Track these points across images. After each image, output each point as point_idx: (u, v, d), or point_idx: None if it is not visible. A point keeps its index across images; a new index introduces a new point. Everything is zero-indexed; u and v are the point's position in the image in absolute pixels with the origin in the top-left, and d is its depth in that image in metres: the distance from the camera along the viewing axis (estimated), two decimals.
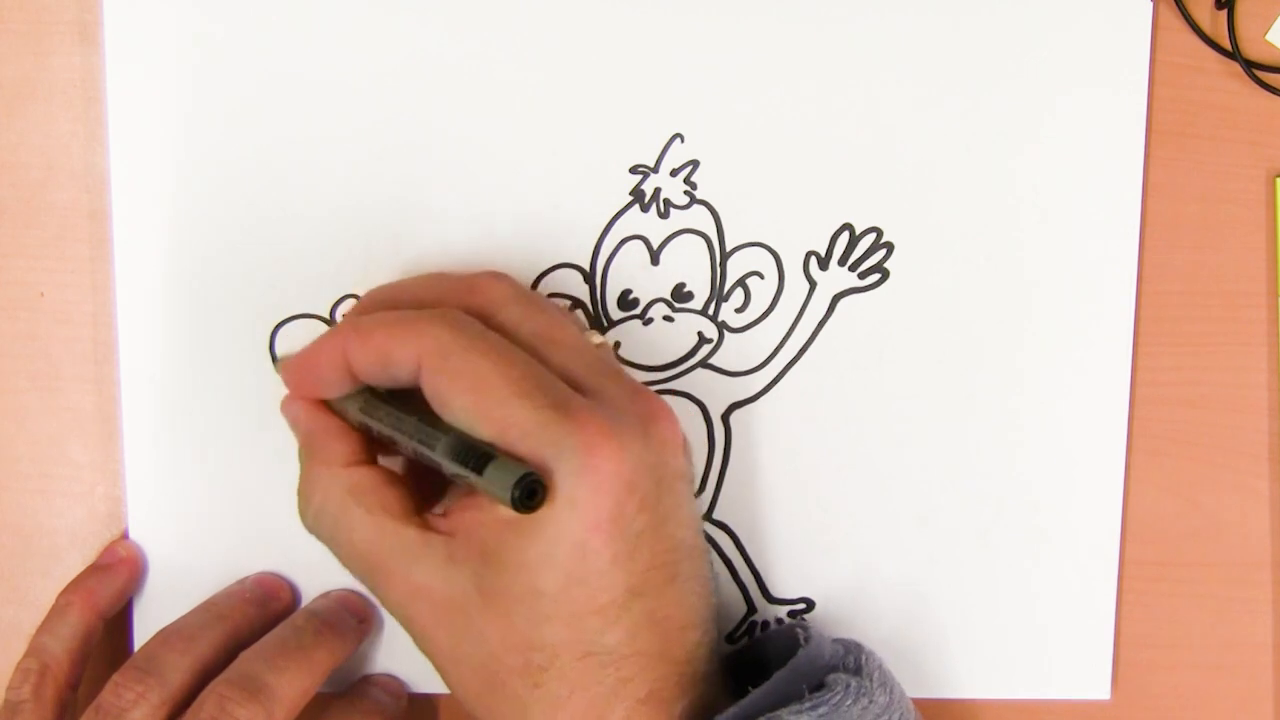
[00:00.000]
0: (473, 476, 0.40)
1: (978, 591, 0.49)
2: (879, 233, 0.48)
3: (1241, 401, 0.49)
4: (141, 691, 0.44)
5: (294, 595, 0.49)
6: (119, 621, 0.48)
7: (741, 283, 0.48)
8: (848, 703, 0.42)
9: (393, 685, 0.49)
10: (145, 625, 0.48)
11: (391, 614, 0.43)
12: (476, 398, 0.41)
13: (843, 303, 0.48)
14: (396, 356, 0.42)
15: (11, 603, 0.49)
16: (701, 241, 0.48)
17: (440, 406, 0.42)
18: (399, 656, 0.49)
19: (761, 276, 0.48)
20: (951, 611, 0.49)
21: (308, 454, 0.45)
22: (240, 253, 0.48)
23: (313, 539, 0.47)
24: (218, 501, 0.48)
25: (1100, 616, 0.49)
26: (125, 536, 0.49)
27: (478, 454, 0.40)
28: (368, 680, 0.49)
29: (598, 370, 0.43)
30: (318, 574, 0.49)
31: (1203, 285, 0.49)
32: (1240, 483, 0.50)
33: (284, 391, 0.47)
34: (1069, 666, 0.50)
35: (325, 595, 0.49)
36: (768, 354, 0.48)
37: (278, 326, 0.48)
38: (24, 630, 0.47)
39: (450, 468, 0.41)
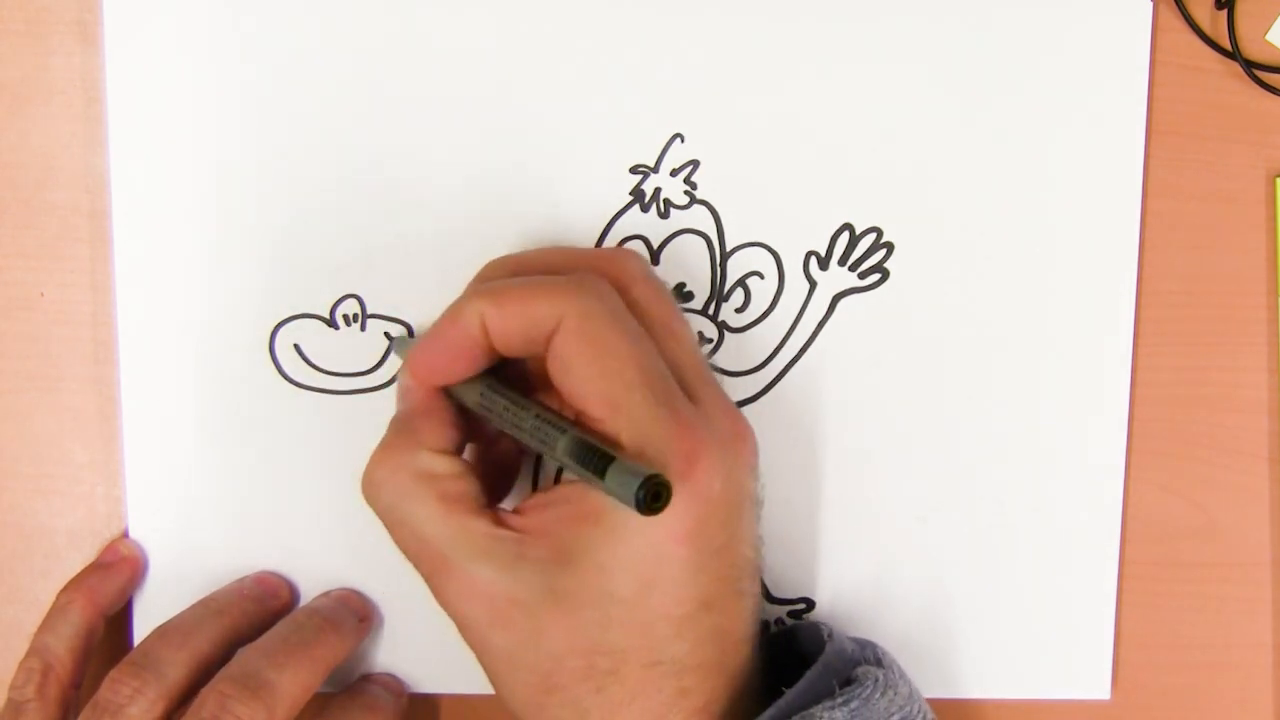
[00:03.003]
0: (594, 478, 0.39)
1: (978, 591, 0.49)
2: (879, 233, 0.48)
3: (1241, 401, 0.49)
4: (138, 687, 0.44)
5: (293, 594, 0.49)
6: (119, 620, 0.48)
7: (741, 283, 0.48)
8: (876, 695, 0.42)
9: (393, 684, 0.49)
10: (145, 624, 0.48)
11: (443, 606, 0.42)
12: (601, 371, 0.40)
13: (843, 303, 0.48)
14: (538, 318, 0.41)
15: (11, 602, 0.49)
16: (701, 241, 0.48)
17: (562, 371, 0.41)
18: (399, 655, 0.49)
19: (761, 276, 0.48)
20: (951, 611, 0.49)
21: (398, 426, 0.43)
22: (240, 252, 0.48)
23: (313, 537, 0.47)
24: (218, 501, 0.48)
25: (1100, 616, 0.49)
26: (125, 536, 0.49)
27: (599, 455, 0.39)
28: (368, 679, 0.49)
29: (702, 376, 0.43)
30: (318, 573, 0.49)
31: (1203, 285, 0.49)
32: (1240, 483, 0.50)
33: (283, 386, 0.47)
34: (1069, 666, 0.50)
35: (326, 594, 0.49)
36: (768, 354, 0.48)
37: (278, 326, 0.48)
38: (24, 630, 0.47)
39: (569, 466, 0.40)
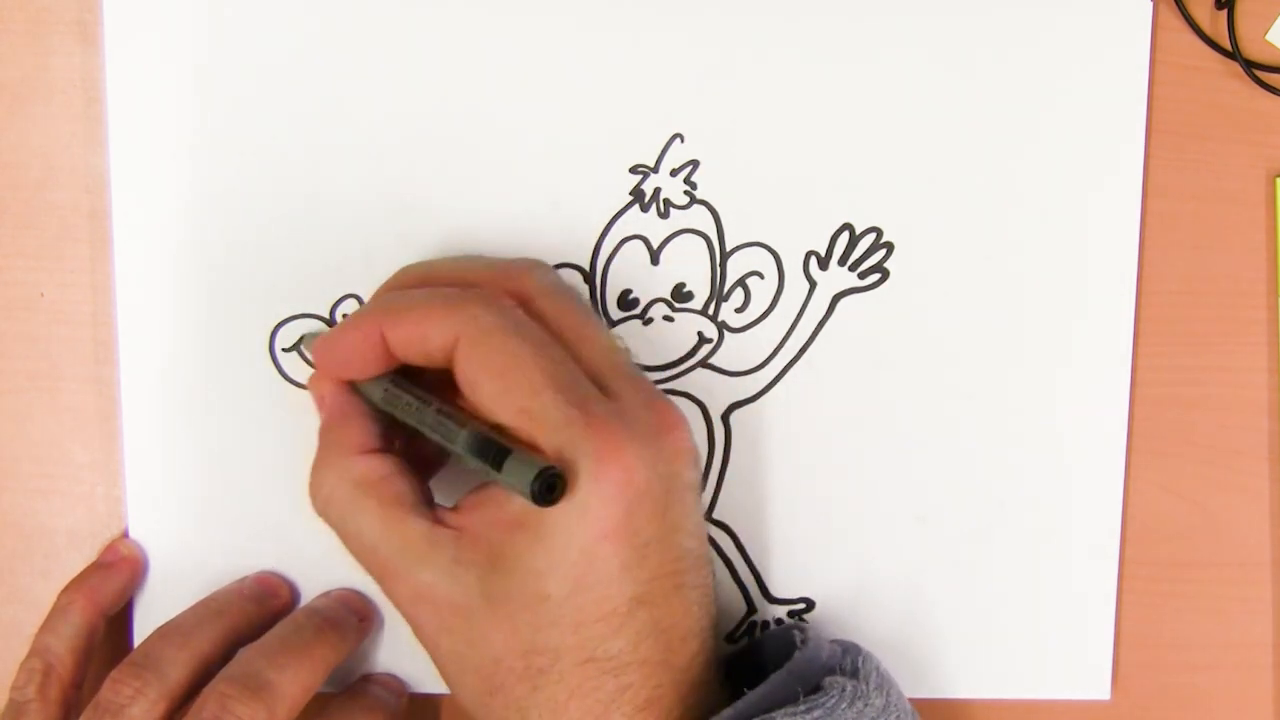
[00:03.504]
0: (491, 471, 0.40)
1: (977, 591, 0.49)
2: (879, 233, 0.48)
3: (1241, 401, 0.49)
4: (139, 687, 0.44)
5: (293, 594, 0.49)
6: (119, 621, 0.48)
7: (741, 283, 0.48)
8: (843, 706, 0.42)
9: (393, 684, 0.49)
10: (146, 624, 0.48)
11: (397, 610, 0.43)
12: (506, 383, 0.41)
13: (843, 303, 0.48)
14: (434, 334, 0.42)
15: (11, 602, 0.49)
16: (701, 241, 0.48)
17: (469, 387, 0.42)
18: (399, 655, 0.49)
19: (761, 276, 0.48)
20: (951, 611, 0.49)
21: (325, 438, 0.44)
22: (240, 252, 0.48)
23: (313, 537, 0.47)
24: (218, 501, 0.48)
25: (1100, 616, 0.49)
26: (125, 536, 0.49)
27: (496, 449, 0.40)
28: (368, 679, 0.49)
29: (620, 374, 0.43)
30: (318, 573, 0.49)
31: (1203, 285, 0.49)
32: (1240, 483, 0.50)
33: (283, 386, 0.48)
34: (1069, 666, 0.50)
35: (326, 594, 0.49)
36: (768, 354, 0.48)
37: (278, 326, 0.48)
38: (24, 630, 0.47)
39: (470, 462, 0.41)
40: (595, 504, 0.40)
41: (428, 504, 0.43)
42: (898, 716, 0.43)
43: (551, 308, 0.44)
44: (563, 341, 0.43)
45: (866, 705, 0.42)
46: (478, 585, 0.41)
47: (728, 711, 0.41)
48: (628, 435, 0.41)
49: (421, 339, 0.42)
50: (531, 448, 0.41)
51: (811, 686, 0.43)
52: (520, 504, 0.41)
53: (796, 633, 0.45)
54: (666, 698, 0.42)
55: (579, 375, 0.42)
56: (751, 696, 0.42)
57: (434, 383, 0.44)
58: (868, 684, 0.43)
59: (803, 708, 0.41)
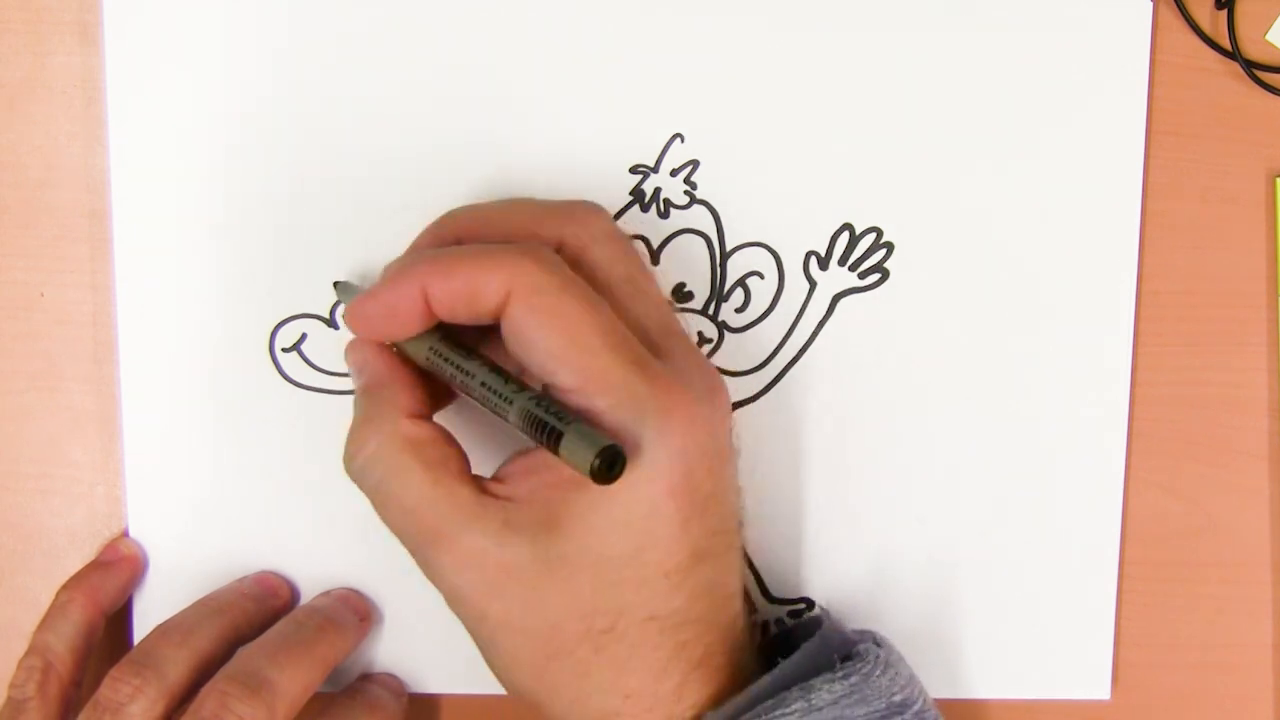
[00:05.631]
0: (548, 449, 0.39)
1: (978, 591, 0.49)
2: (879, 233, 0.48)
3: (1241, 401, 0.49)
4: (139, 685, 0.44)
5: (293, 593, 0.49)
6: (119, 619, 0.48)
7: (741, 283, 0.48)
8: (877, 673, 0.42)
9: (393, 684, 0.49)
10: (145, 623, 0.48)
11: (434, 579, 0.42)
12: (565, 341, 0.40)
13: (843, 303, 0.48)
14: (483, 291, 0.40)
15: (11, 603, 0.49)
16: (701, 241, 0.48)
17: (522, 345, 0.41)
18: (399, 655, 0.49)
19: (761, 276, 0.48)
20: (951, 611, 0.49)
21: (369, 398, 0.43)
22: (240, 252, 0.48)
23: (313, 537, 0.47)
24: (218, 501, 0.48)
25: (1100, 616, 0.49)
26: (125, 535, 0.49)
27: (551, 426, 0.39)
28: (368, 678, 0.49)
29: (669, 330, 0.43)
30: (318, 573, 0.49)
31: (1203, 285, 0.49)
32: (1240, 483, 0.50)
33: (283, 386, 0.47)
34: (1069, 666, 0.50)
35: (326, 593, 0.49)
36: (768, 354, 0.48)
37: (278, 326, 0.48)
38: (24, 630, 0.47)
39: (523, 433, 0.40)
40: (660, 460, 0.40)
41: (471, 474, 0.42)
42: (919, 689, 0.44)
43: (606, 256, 0.43)
44: (615, 295, 0.42)
45: (897, 674, 0.43)
46: (532, 548, 0.40)
47: (766, 678, 0.42)
48: (687, 394, 0.41)
49: (469, 297, 0.41)
50: (587, 409, 0.40)
51: (844, 655, 0.43)
52: None
53: (820, 610, 0.46)
54: (716, 656, 0.42)
55: (629, 334, 0.41)
56: (788, 664, 0.42)
57: (470, 333, 0.43)
58: (894, 653, 0.44)
59: (840, 674, 0.42)
